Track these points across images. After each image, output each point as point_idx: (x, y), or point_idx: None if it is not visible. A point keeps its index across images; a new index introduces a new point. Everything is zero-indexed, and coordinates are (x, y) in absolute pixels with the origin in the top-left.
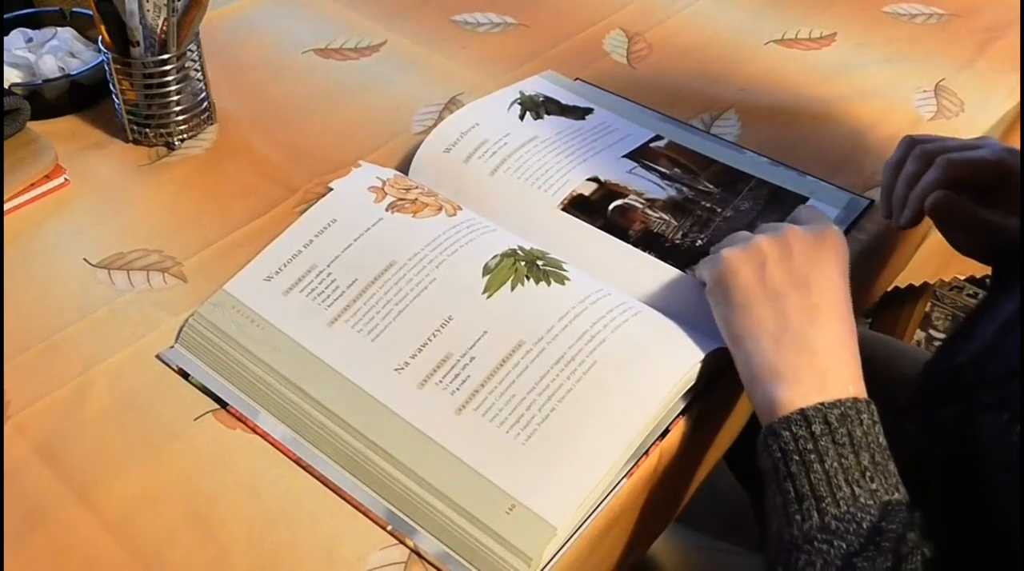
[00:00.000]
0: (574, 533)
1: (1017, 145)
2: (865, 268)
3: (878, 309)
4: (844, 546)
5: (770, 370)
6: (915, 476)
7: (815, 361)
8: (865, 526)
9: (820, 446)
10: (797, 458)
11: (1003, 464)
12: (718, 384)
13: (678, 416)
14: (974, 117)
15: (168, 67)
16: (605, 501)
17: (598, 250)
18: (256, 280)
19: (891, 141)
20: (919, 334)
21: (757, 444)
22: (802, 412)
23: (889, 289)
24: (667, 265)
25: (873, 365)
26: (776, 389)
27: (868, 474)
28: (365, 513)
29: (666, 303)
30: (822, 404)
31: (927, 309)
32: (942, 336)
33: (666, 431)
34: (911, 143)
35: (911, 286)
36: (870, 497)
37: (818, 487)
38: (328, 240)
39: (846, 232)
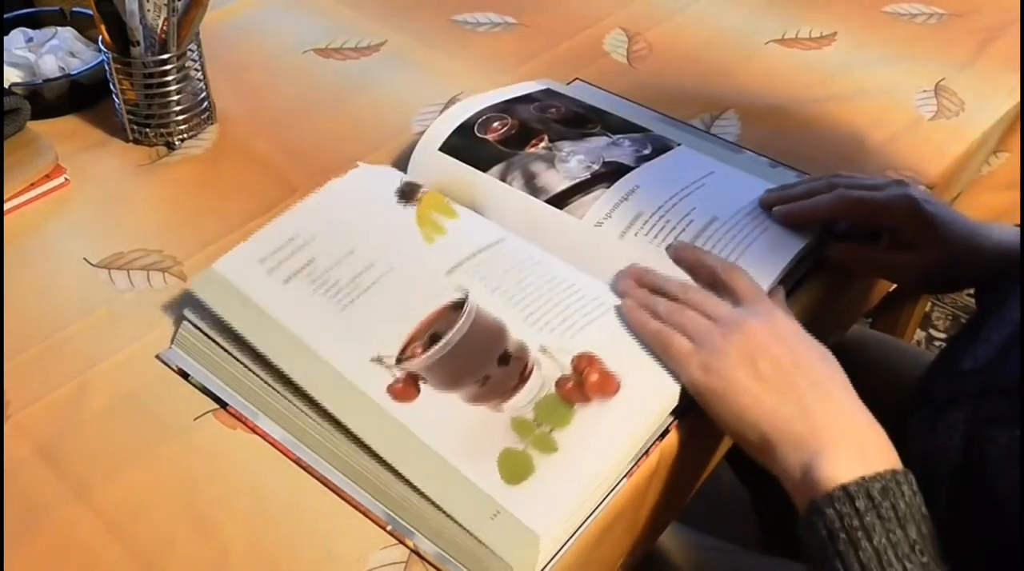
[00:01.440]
0: (574, 534)
1: (1018, 145)
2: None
3: (878, 309)
4: None
5: (802, 445)
6: (919, 476)
7: (848, 432)
8: None
9: (866, 522)
10: (844, 536)
11: (1012, 480)
12: None
13: (677, 418)
14: (974, 117)
15: (168, 67)
16: (604, 502)
17: (585, 242)
18: (249, 261)
19: (891, 141)
20: (919, 334)
21: (799, 521)
22: (844, 488)
23: (890, 289)
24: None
25: (873, 365)
26: (814, 463)
27: (918, 547)
28: (365, 513)
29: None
30: (863, 478)
31: (927, 309)
32: (942, 336)
33: (666, 432)
34: (833, 175)
35: None
36: None
37: (868, 565)
38: (326, 229)
39: (845, 230)
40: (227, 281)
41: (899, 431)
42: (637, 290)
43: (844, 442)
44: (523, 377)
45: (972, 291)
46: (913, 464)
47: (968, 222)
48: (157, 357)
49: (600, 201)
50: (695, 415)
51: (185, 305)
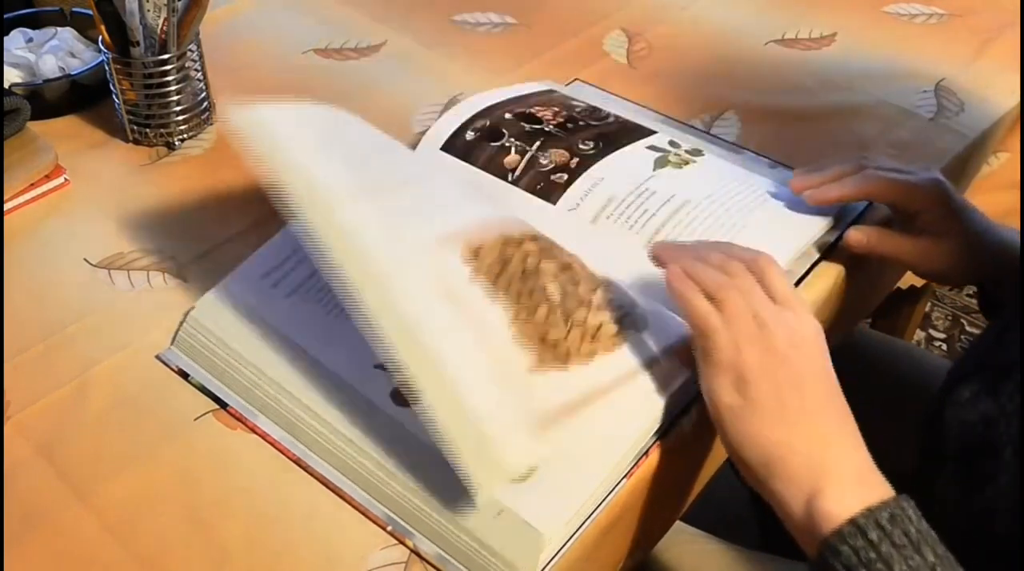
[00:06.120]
0: (574, 534)
1: (1018, 145)
2: (866, 270)
3: (878, 309)
4: None
5: (802, 481)
6: (975, 444)
7: (849, 467)
8: None
9: (883, 553)
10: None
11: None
12: None
13: (678, 416)
14: (974, 117)
15: (168, 67)
16: (604, 502)
17: (558, 227)
18: (252, 278)
19: (891, 141)
20: (919, 334)
21: (810, 562)
22: (853, 522)
23: (891, 290)
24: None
25: (873, 365)
26: (815, 502)
27: (938, 568)
28: (365, 513)
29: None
30: (870, 509)
31: (927, 309)
32: (942, 336)
33: (666, 431)
34: (860, 157)
35: (912, 286)
36: None
37: None
38: None
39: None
40: (233, 300)
41: (899, 431)
42: (678, 252)
43: (846, 478)
44: None
45: (972, 290)
46: (957, 432)
47: (983, 216)
48: (157, 357)
49: (575, 185)
50: (697, 414)
51: (188, 312)
